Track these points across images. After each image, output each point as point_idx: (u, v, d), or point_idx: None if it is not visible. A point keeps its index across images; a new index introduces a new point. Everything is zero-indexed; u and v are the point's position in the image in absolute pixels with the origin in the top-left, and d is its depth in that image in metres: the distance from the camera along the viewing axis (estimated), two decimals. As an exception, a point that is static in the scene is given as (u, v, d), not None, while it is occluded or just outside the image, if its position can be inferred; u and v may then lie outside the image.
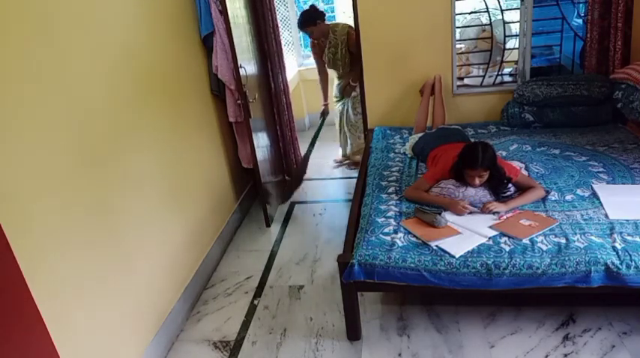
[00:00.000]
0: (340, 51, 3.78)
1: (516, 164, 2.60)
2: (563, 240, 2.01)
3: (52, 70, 1.63)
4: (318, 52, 3.91)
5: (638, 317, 2.12)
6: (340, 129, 4.15)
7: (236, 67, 2.85)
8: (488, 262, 1.95)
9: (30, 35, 1.54)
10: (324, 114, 4.24)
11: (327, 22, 3.78)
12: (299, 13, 3.74)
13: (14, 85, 1.46)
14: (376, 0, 3.43)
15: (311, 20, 3.70)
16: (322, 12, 3.77)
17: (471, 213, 2.29)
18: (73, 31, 1.75)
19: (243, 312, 2.50)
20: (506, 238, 2.07)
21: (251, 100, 3.01)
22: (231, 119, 3.14)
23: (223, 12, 2.73)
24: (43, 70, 1.59)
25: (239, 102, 3.02)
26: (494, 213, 2.25)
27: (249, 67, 3.17)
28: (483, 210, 2.26)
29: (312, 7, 3.78)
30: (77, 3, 1.78)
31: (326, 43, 3.80)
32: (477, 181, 2.31)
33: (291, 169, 4.02)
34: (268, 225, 3.34)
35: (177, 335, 2.38)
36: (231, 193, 3.32)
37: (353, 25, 3.52)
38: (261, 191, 3.23)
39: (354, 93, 3.89)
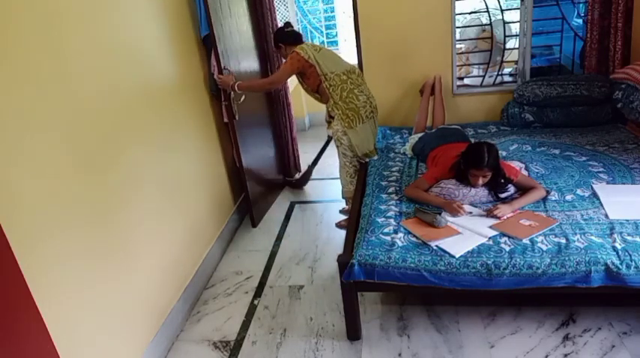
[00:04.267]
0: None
1: (516, 164, 2.60)
2: (563, 240, 2.01)
3: (52, 70, 1.63)
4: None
5: (638, 317, 2.12)
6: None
7: (219, 66, 2.87)
8: (488, 262, 1.95)
9: (30, 37, 1.54)
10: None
11: (301, 45, 2.93)
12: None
13: (14, 85, 1.46)
14: (376, 0, 3.43)
15: (274, 42, 3.10)
16: (289, 33, 3.02)
17: (470, 212, 2.29)
18: (72, 31, 1.75)
19: (243, 312, 2.50)
20: (506, 238, 2.07)
21: (239, 101, 3.02)
22: (226, 120, 3.14)
23: (206, 10, 2.73)
24: (42, 70, 1.59)
25: (225, 103, 3.02)
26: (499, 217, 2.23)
27: (244, 66, 3.19)
28: (489, 215, 2.24)
29: (285, 25, 3.08)
30: (77, 4, 1.78)
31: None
32: (481, 181, 2.31)
33: (289, 169, 4.03)
34: (254, 226, 3.34)
35: (177, 335, 2.38)
36: (231, 193, 3.32)
37: (301, 50, 2.87)
38: (247, 191, 3.23)
39: (331, 129, 3.10)
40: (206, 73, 2.99)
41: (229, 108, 3.00)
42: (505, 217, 2.21)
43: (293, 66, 2.90)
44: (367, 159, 3.12)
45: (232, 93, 2.94)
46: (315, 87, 2.97)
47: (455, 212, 2.26)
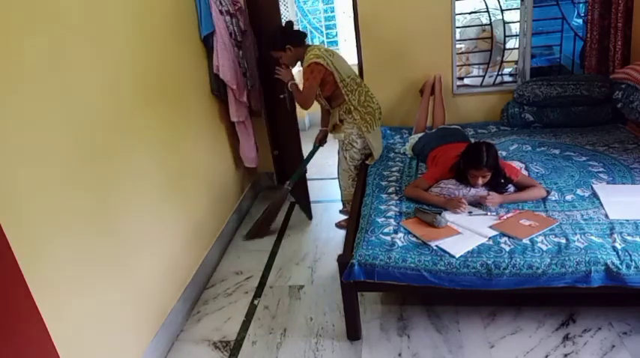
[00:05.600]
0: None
1: (516, 164, 2.60)
2: (563, 240, 2.01)
3: (53, 69, 1.63)
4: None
5: (638, 317, 2.12)
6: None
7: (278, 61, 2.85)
8: (488, 262, 1.95)
9: (31, 35, 1.54)
10: (321, 142, 3.27)
11: (306, 45, 2.82)
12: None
13: (14, 84, 1.46)
14: (376, 0, 3.43)
15: (278, 44, 2.76)
16: (296, 33, 2.83)
17: (470, 212, 2.30)
18: (72, 30, 1.75)
19: (243, 312, 2.50)
20: (506, 238, 2.07)
21: (281, 96, 3.04)
22: (233, 119, 3.13)
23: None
24: (43, 69, 1.59)
25: (283, 95, 3.01)
26: (491, 209, 2.27)
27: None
28: (480, 201, 2.29)
29: (288, 24, 2.82)
30: (77, 4, 1.78)
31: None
32: (480, 181, 2.32)
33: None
34: (310, 218, 3.39)
35: (177, 335, 2.38)
36: (231, 193, 3.32)
37: (319, 57, 2.70)
38: (306, 184, 3.29)
39: (342, 133, 3.00)
40: (208, 73, 2.99)
41: (291, 101, 2.98)
42: (505, 216, 2.21)
43: (317, 79, 2.72)
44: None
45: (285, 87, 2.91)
46: (329, 94, 2.87)
47: (458, 208, 2.27)
